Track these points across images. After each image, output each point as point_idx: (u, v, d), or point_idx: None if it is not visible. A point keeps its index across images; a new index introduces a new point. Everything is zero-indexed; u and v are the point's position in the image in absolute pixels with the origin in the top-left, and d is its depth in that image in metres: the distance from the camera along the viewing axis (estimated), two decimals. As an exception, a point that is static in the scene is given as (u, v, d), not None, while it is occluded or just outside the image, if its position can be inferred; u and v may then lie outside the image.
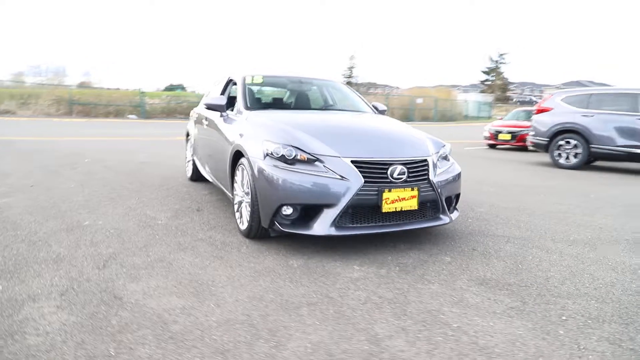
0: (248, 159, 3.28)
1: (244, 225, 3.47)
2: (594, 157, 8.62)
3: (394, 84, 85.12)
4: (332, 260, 3.03)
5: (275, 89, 5.07)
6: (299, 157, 3.09)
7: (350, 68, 52.00)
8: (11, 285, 2.45)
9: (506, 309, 2.37)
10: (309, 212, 3.09)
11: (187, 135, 6.20)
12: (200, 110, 5.49)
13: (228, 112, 4.25)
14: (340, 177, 3.02)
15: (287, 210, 3.08)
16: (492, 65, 63.91)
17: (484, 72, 67.01)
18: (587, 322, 2.23)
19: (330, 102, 4.77)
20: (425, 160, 3.33)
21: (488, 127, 13.91)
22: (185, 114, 24.77)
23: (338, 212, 3.01)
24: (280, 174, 3.06)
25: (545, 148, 9.18)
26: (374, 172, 3.09)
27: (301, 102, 4.72)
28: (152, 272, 2.72)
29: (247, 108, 4.11)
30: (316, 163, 3.08)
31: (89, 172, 6.22)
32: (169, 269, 2.80)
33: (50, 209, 4.18)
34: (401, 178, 3.15)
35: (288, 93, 4.83)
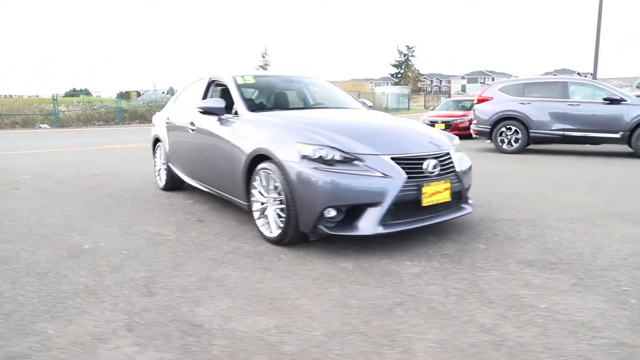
0: (280, 163, 3.13)
1: (273, 233, 3.31)
2: (533, 142, 9.47)
3: None
4: (380, 259, 3.01)
5: (264, 89, 4.86)
6: (337, 158, 3.02)
7: (263, 66, 51.64)
8: (62, 327, 2.11)
9: (571, 286, 2.53)
10: (352, 212, 3.04)
11: (156, 142, 5.76)
12: (178, 115, 5.12)
13: (227, 115, 4.01)
14: (382, 175, 3.00)
15: (331, 213, 3.00)
16: (402, 58, 67.25)
17: (394, 65, 69.96)
18: (643, 289, 2.46)
19: (326, 100, 4.70)
20: (449, 153, 3.43)
21: (423, 118, 14.64)
22: (104, 121, 22.95)
23: (384, 210, 3.00)
24: (323, 176, 2.96)
25: (488, 135, 9.88)
26: (411, 167, 3.12)
27: (299, 101, 4.60)
28: (210, 293, 2.50)
29: (250, 110, 3.91)
30: (355, 162, 3.03)
31: (43, 191, 5.52)
32: (225, 287, 2.59)
33: (31, 235, 3.65)
34: (435, 172, 3.21)
35: (282, 92, 4.67)
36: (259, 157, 3.42)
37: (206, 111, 4.03)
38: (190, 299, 2.43)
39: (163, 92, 37.85)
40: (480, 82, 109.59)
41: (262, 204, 3.46)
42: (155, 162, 5.82)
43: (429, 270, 2.80)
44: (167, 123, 5.34)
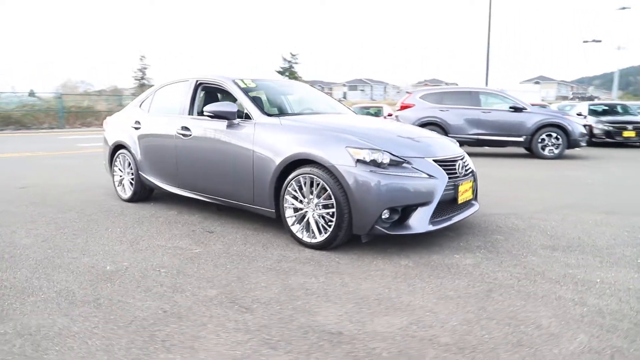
0: (333, 168, 3.13)
1: (316, 238, 3.29)
2: (452, 144, 10.54)
3: None
4: (428, 255, 3.20)
5: (266, 93, 4.70)
6: (388, 161, 3.14)
7: (142, 69, 48.78)
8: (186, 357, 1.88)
9: (600, 263, 3.01)
10: (404, 212, 3.18)
11: (115, 150, 5.19)
12: (155, 119, 4.70)
13: (239, 120, 3.84)
14: (429, 176, 3.20)
15: (387, 214, 3.11)
16: (286, 65, 68.92)
17: (279, 72, 71.46)
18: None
19: (322, 105, 4.72)
20: (465, 155, 3.78)
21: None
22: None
23: (433, 208, 3.20)
24: (381, 179, 3.06)
25: (413, 139, 10.74)
26: (448, 168, 3.38)
27: (299, 105, 4.55)
28: (310, 301, 2.44)
29: (267, 115, 3.81)
30: (404, 165, 3.19)
31: (-23, 209, 4.60)
32: (317, 294, 2.54)
33: (23, 259, 3.08)
34: (463, 172, 3.52)
35: (283, 97, 4.58)
36: (296, 163, 3.37)
37: (217, 115, 3.81)
38: (297, 309, 2.34)
39: (31, 94, 33.17)
40: (360, 90, 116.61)
41: (298, 210, 3.41)
42: (113, 172, 5.24)
43: (480, 261, 3.08)
44: (137, 128, 4.87)
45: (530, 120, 9.73)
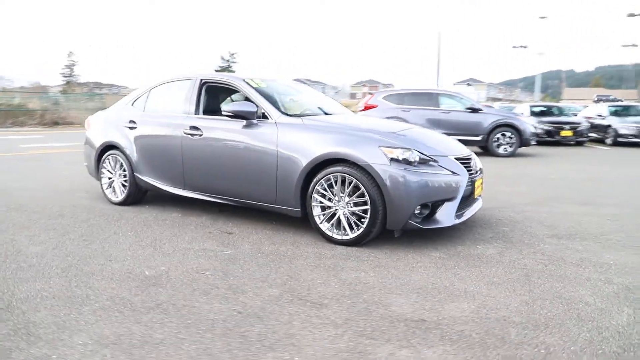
0: (368, 166, 3.24)
1: (348, 234, 3.38)
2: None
3: (121, 84, 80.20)
4: (454, 245, 3.43)
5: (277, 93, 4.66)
6: (418, 160, 3.31)
7: (70, 66, 45.72)
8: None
9: (605, 248, 3.38)
10: (432, 207, 3.37)
11: (103, 151, 4.92)
12: (155, 119, 4.53)
13: (258, 120, 3.82)
14: (453, 173, 3.41)
15: (419, 209, 3.27)
16: (225, 64, 67.83)
17: (217, 71, 70.27)
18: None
19: (330, 106, 4.77)
20: (472, 153, 4.05)
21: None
22: None
23: (458, 203, 3.42)
24: (415, 176, 3.22)
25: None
26: (466, 166, 3.61)
27: (311, 106, 4.54)
28: (375, 294, 2.54)
29: (287, 115, 3.83)
30: (431, 163, 3.37)
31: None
32: (377, 287, 2.64)
33: (44, 268, 2.89)
34: (477, 169, 3.78)
35: (291, 97, 4.58)
36: (325, 162, 3.44)
37: (237, 115, 3.78)
38: (368, 302, 2.43)
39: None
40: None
41: (326, 208, 3.48)
42: (101, 174, 4.96)
43: (502, 250, 3.34)
44: (132, 128, 4.66)
45: (487, 120, 10.42)
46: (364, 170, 3.29)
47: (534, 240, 3.59)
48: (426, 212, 3.34)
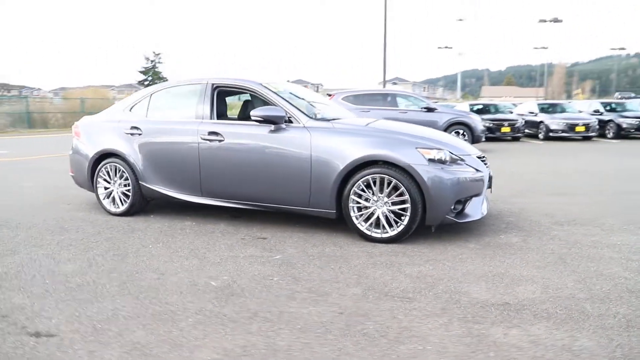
0: (409, 167, 3.43)
1: (388, 232, 3.55)
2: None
3: (33, 85, 74.94)
4: (481, 236, 3.73)
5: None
6: (449, 159, 3.56)
7: None
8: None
9: (608, 232, 3.86)
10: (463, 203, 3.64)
11: (99, 159, 4.64)
12: (165, 125, 4.36)
13: (285, 125, 3.85)
14: (476, 170, 3.71)
15: (453, 205, 3.52)
16: (149, 65, 64.93)
17: (142, 72, 67.23)
18: None
19: (338, 109, 4.87)
20: (479, 152, 4.40)
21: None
22: None
23: (483, 198, 3.73)
24: (451, 175, 3.47)
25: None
26: (484, 163, 3.93)
27: (326, 110, 4.58)
28: (448, 284, 2.73)
29: (315, 119, 3.90)
30: (459, 162, 3.64)
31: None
32: (448, 278, 2.85)
33: (101, 288, 2.74)
34: (488, 165, 4.12)
35: (303, 101, 4.60)
36: (364, 164, 3.57)
37: (266, 120, 3.78)
38: (448, 292, 2.63)
39: None
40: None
41: (362, 208, 3.62)
42: (97, 183, 4.67)
43: (523, 238, 3.70)
44: (135, 134, 4.45)
45: (442, 119, 11.09)
46: (403, 170, 3.48)
47: (542, 228, 4.01)
48: (459, 207, 3.61)
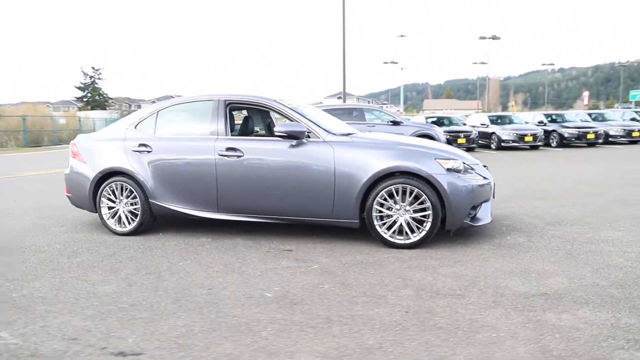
0: (431, 176, 3.69)
1: (411, 238, 3.78)
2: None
3: None
4: (491, 238, 4.06)
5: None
6: (463, 168, 3.87)
7: None
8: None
9: (597, 229, 4.34)
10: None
11: (103, 178, 4.52)
12: (177, 142, 4.36)
13: (306, 139, 4.00)
14: (484, 178, 4.05)
15: (468, 211, 3.83)
16: (88, 81, 62.31)
17: (79, 88, 64.41)
18: None
19: (343, 124, 5.07)
20: (475, 160, 4.77)
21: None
22: None
23: (490, 203, 4.06)
24: (467, 183, 3.79)
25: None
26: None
27: (335, 124, 4.74)
28: (485, 280, 3.00)
29: (332, 134, 4.08)
30: (470, 170, 3.96)
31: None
32: (483, 276, 3.12)
33: (187, 306, 2.73)
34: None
35: (314, 116, 4.75)
36: (383, 175, 3.79)
37: (290, 135, 3.92)
38: (491, 287, 2.89)
39: None
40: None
41: (384, 217, 3.83)
42: (100, 203, 4.54)
43: (528, 238, 4.08)
44: (143, 152, 4.40)
45: (407, 131, 11.65)
46: (424, 180, 3.74)
47: (539, 229, 4.42)
48: (474, 212, 3.92)
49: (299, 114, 4.21)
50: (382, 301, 2.74)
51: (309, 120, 4.16)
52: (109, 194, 4.55)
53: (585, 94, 58.68)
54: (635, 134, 15.36)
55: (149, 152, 4.43)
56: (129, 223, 4.51)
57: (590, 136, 14.82)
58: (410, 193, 3.77)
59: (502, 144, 14.91)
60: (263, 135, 5.11)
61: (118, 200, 4.53)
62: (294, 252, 3.85)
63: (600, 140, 15.08)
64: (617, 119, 17.09)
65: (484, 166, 4.33)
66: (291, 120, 4.16)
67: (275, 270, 3.39)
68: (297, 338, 2.29)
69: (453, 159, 3.87)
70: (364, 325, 2.41)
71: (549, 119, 16.54)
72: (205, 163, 4.24)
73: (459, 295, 2.80)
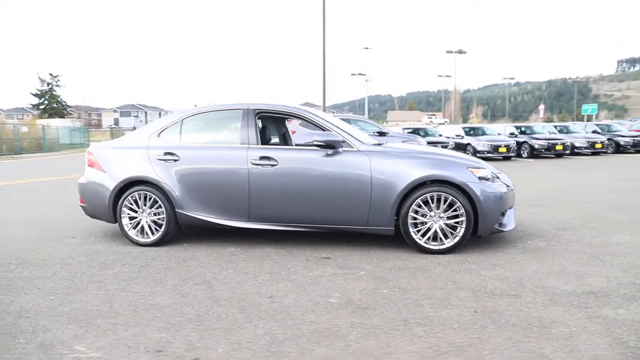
0: (465, 185, 3.87)
1: (445, 244, 3.93)
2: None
3: None
4: (513, 243, 4.28)
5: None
6: (491, 177, 4.07)
7: None
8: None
9: (603, 234, 4.64)
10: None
11: (124, 188, 4.42)
12: (205, 151, 4.33)
13: (341, 149, 4.09)
14: (507, 186, 4.26)
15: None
16: (45, 88, 59.84)
17: (36, 95, 61.81)
18: None
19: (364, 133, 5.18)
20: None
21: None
22: None
23: (514, 210, 4.28)
24: (497, 190, 3.99)
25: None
26: (507, 180, 4.52)
27: (358, 133, 4.84)
28: (531, 281, 3.18)
29: (365, 143, 4.19)
30: (496, 179, 4.16)
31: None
32: (527, 276, 3.29)
33: (331, 309, 2.71)
34: (505, 181, 4.74)
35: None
36: (420, 184, 3.93)
37: (327, 145, 4.00)
38: (539, 287, 3.06)
39: None
40: (134, 116, 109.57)
41: (418, 224, 3.96)
42: (121, 213, 4.43)
43: (547, 243, 4.32)
44: (170, 161, 4.34)
45: (394, 142, 11.91)
46: (459, 188, 3.91)
47: (553, 234, 4.68)
48: (502, 219, 4.12)
49: (332, 124, 4.30)
50: (446, 303, 2.85)
51: (342, 130, 4.25)
52: (131, 204, 4.44)
53: (541, 107, 62.26)
54: (597, 146, 16.44)
55: (175, 160, 4.38)
56: (152, 233, 4.42)
57: (559, 147, 15.72)
58: (445, 200, 3.93)
59: (477, 155, 15.50)
60: (277, 144, 5.17)
61: (141, 210, 4.44)
62: (333, 259, 3.90)
63: (567, 152, 16.01)
64: (580, 131, 18.23)
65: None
66: (323, 130, 4.25)
67: (324, 277, 3.43)
68: (387, 340, 2.36)
69: (483, 168, 4.07)
70: (443, 326, 2.52)
71: (519, 130, 17.41)
72: (238, 172, 4.24)
73: (515, 295, 2.96)
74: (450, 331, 2.45)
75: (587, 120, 33.08)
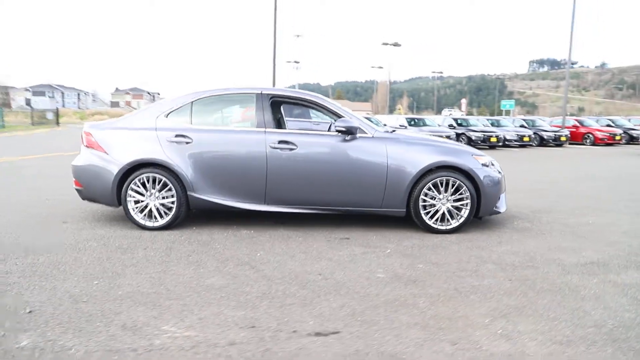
0: (471, 170, 4.26)
1: (451, 224, 4.33)
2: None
3: None
4: (508, 223, 4.78)
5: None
6: (489, 163, 4.51)
7: None
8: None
9: (592, 214, 5.31)
10: (496, 198, 4.63)
11: (131, 170, 4.26)
12: (220, 133, 4.27)
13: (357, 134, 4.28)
14: (499, 172, 4.74)
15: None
16: None
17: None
18: None
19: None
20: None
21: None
22: None
23: (505, 194, 4.78)
24: (496, 175, 4.43)
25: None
26: (494, 166, 5.01)
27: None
28: (545, 255, 3.61)
29: (377, 130, 4.41)
30: (491, 165, 4.62)
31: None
32: (539, 252, 3.74)
33: (372, 297, 2.84)
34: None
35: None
36: (434, 169, 4.26)
37: (347, 131, 4.16)
38: (549, 260, 3.52)
39: None
40: (49, 96, 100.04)
41: (428, 206, 4.30)
42: (127, 196, 4.26)
43: (531, 223, 4.89)
44: (185, 143, 4.26)
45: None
46: (465, 173, 4.30)
47: (532, 217, 5.26)
48: (498, 201, 4.59)
49: (346, 111, 4.47)
50: (480, 274, 3.21)
51: (357, 117, 4.45)
52: (138, 187, 4.29)
53: (463, 101, 66.85)
54: (525, 139, 18.20)
55: (187, 142, 4.30)
56: (161, 217, 4.32)
57: (493, 139, 17.15)
58: (452, 185, 4.30)
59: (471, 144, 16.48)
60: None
61: (148, 193, 4.30)
62: (353, 239, 4.12)
63: (500, 144, 17.52)
64: (509, 125, 20.02)
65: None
66: (339, 117, 4.41)
67: (357, 255, 3.64)
68: (454, 305, 2.65)
69: (483, 155, 4.50)
70: (492, 293, 2.86)
71: (457, 122, 18.69)
72: (256, 155, 4.27)
73: (532, 266, 3.40)
74: (502, 296, 2.80)
75: (506, 115, 36.17)
